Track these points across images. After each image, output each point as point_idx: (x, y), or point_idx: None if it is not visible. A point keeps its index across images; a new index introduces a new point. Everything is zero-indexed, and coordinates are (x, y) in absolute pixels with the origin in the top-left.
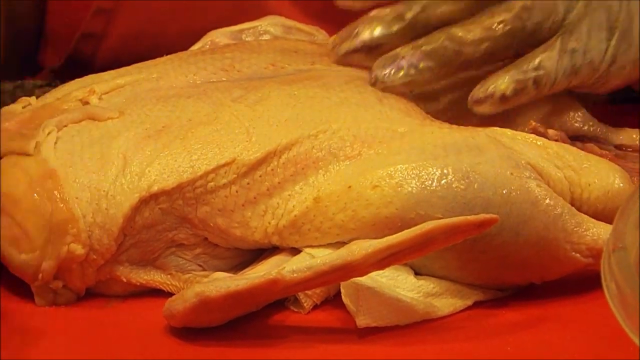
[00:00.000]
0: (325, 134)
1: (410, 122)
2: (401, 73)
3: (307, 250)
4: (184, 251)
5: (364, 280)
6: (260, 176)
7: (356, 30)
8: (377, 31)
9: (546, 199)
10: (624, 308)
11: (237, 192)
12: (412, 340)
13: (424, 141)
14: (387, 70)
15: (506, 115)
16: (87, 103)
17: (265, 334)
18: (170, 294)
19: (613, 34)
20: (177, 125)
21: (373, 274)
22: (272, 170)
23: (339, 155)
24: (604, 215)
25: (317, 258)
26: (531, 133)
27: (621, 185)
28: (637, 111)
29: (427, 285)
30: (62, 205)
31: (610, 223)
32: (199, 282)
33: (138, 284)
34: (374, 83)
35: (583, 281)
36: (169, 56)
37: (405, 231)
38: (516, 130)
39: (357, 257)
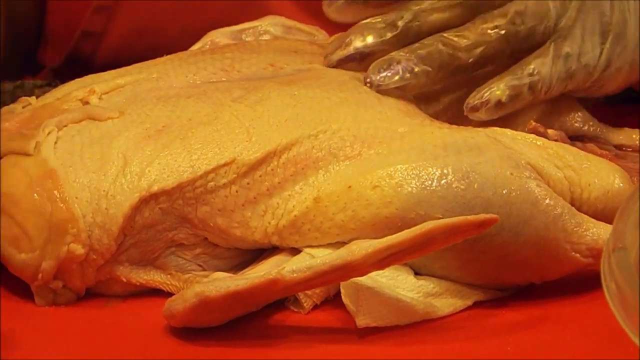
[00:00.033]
0: (325, 134)
1: (410, 122)
2: (396, 77)
3: (307, 250)
4: (183, 251)
5: (364, 280)
6: (260, 176)
7: (348, 39)
8: (369, 39)
9: (546, 199)
10: (624, 308)
11: (237, 192)
12: (412, 340)
13: (424, 141)
14: (383, 74)
15: (506, 115)
16: (87, 103)
17: (265, 334)
18: (170, 294)
19: (607, 38)
20: (177, 125)
21: (373, 274)
22: (272, 170)
23: (339, 155)
24: (604, 215)
25: (317, 258)
26: (531, 133)
27: (621, 185)
28: (637, 111)
29: (427, 285)
30: (62, 205)
31: (610, 223)
32: (198, 282)
33: (138, 284)
34: (369, 87)
35: (583, 281)
36: (169, 56)
37: (405, 231)
38: (516, 130)
39: (357, 257)
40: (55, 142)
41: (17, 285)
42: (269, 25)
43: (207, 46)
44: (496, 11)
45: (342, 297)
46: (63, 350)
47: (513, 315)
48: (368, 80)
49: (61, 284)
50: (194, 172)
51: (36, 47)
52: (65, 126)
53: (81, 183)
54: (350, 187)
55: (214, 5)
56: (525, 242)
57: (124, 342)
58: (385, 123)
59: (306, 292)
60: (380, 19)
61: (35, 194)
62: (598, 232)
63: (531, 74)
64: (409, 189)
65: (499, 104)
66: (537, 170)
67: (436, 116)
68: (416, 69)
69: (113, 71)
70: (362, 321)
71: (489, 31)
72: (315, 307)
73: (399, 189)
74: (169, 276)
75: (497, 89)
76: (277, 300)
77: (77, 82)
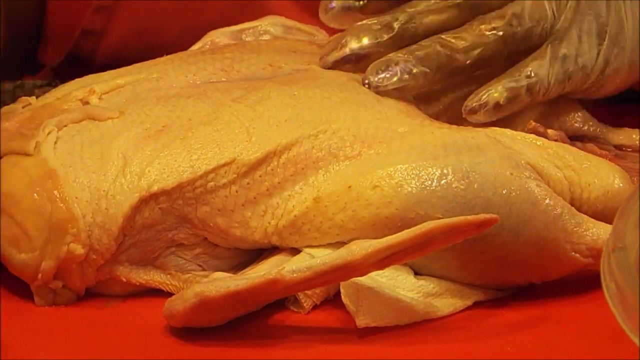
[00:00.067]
0: (325, 134)
1: (410, 122)
2: (395, 78)
3: (307, 250)
4: (183, 251)
5: (363, 280)
6: (260, 176)
7: (344, 40)
8: (365, 41)
9: (546, 199)
10: (624, 308)
11: (237, 192)
12: (412, 340)
13: (423, 141)
14: (381, 76)
15: (505, 116)
16: (87, 103)
17: (265, 334)
18: (170, 294)
19: (603, 39)
20: (177, 125)
21: (373, 274)
22: (272, 170)
23: (339, 155)
24: (603, 215)
25: (317, 258)
26: (531, 133)
27: (621, 185)
28: (637, 111)
29: (427, 285)
30: (62, 205)
31: (610, 223)
32: (198, 282)
33: (138, 283)
34: (367, 88)
35: (583, 281)
36: (169, 56)
37: (405, 231)
38: (516, 130)
39: (357, 257)
40: (55, 142)
41: (17, 285)
42: (269, 25)
43: (207, 46)
44: (493, 13)
45: (342, 297)
46: (63, 350)
47: (513, 315)
48: (366, 81)
49: (61, 284)
50: (193, 172)
51: (36, 47)
52: (65, 126)
53: (81, 183)
54: (350, 187)
55: (214, 5)
56: (525, 242)
57: (124, 342)
58: (385, 123)
59: (306, 292)
60: (376, 21)
61: (35, 194)
62: (598, 232)
63: (529, 76)
64: (409, 189)
65: (497, 106)
66: (537, 170)
67: (436, 116)
68: (414, 70)
69: (113, 71)
70: (362, 321)
71: (487, 33)
72: (315, 307)
73: (399, 189)
74: (169, 276)
75: (494, 92)
76: (277, 300)
77: (77, 82)
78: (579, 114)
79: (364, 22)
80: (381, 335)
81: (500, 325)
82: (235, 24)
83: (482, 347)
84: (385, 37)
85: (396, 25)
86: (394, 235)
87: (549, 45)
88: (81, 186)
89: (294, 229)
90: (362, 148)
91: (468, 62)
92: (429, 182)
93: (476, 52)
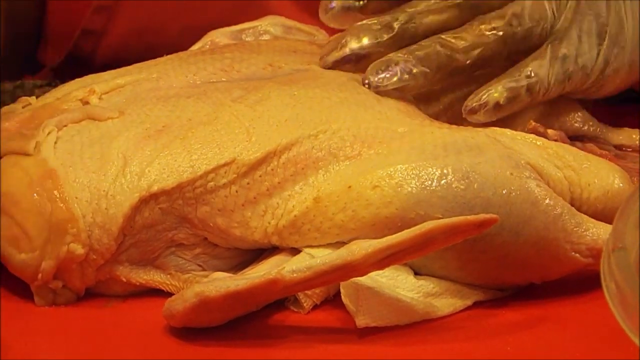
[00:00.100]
0: (325, 134)
1: (410, 122)
2: (395, 78)
3: (307, 250)
4: (183, 251)
5: (363, 280)
6: (260, 176)
7: (344, 40)
8: (365, 41)
9: (546, 199)
10: (624, 308)
11: (237, 192)
12: (412, 340)
13: (423, 141)
14: (381, 76)
15: (505, 116)
16: (87, 103)
17: (265, 334)
18: (170, 294)
19: (603, 39)
20: (177, 125)
21: (373, 274)
22: (272, 170)
23: (338, 156)
24: (603, 215)
25: (317, 258)
26: (531, 133)
27: (621, 185)
28: (637, 111)
29: (427, 285)
30: (61, 205)
31: (610, 223)
32: (198, 282)
33: (138, 283)
34: (367, 88)
35: (583, 281)
36: (169, 56)
37: (405, 231)
38: (516, 130)
39: (357, 257)
40: (55, 142)
41: (17, 285)
42: (269, 25)
43: (207, 46)
44: (493, 13)
45: (342, 297)
46: (63, 350)
47: (513, 315)
48: (366, 81)
49: (61, 284)
50: (193, 172)
51: (36, 47)
52: (65, 126)
53: (81, 183)
54: (350, 187)
55: (214, 5)
56: (525, 242)
57: (124, 342)
58: (385, 123)
59: (306, 292)
60: (375, 21)
61: (35, 194)
62: (598, 232)
63: (529, 76)
64: (409, 189)
65: (497, 106)
66: (537, 170)
67: (436, 116)
68: (414, 70)
69: (113, 71)
70: (361, 321)
71: (487, 33)
72: (315, 307)
73: (399, 189)
74: (168, 276)
75: (495, 92)
76: (277, 300)
77: (77, 82)
78: (579, 114)
79: (364, 22)
80: (381, 335)
81: (500, 325)
82: (235, 24)
83: (482, 347)
84: (385, 37)
85: (396, 25)
86: (394, 235)
87: (549, 45)
88: (81, 186)
89: (294, 229)
90: (362, 148)
91: (468, 62)
92: (429, 182)
93: (476, 52)
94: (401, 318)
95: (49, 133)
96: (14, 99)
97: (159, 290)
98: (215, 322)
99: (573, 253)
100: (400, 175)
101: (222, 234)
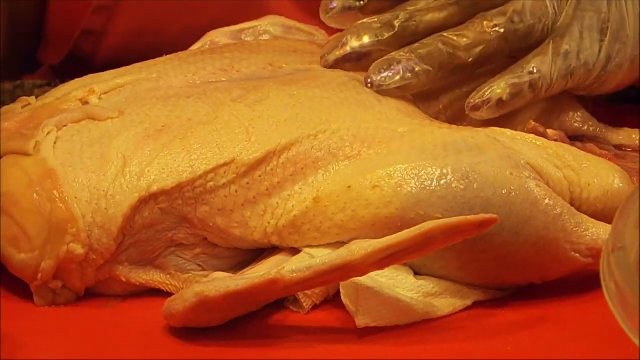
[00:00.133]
0: (325, 134)
1: (410, 122)
2: (397, 77)
3: (307, 250)
4: (183, 251)
5: (363, 280)
6: (259, 176)
7: (344, 39)
8: (366, 39)
9: (546, 199)
10: (624, 308)
11: (236, 192)
12: (412, 340)
13: (423, 141)
14: (384, 75)
15: (505, 115)
16: (87, 103)
17: (265, 334)
18: (170, 294)
19: (605, 35)
20: (177, 125)
21: (373, 274)
22: (272, 170)
23: (338, 155)
24: (603, 215)
25: (316, 258)
26: (531, 133)
27: (621, 185)
28: (637, 111)
29: (427, 285)
30: (61, 205)
31: (610, 223)
32: (198, 282)
33: (137, 283)
34: (369, 87)
35: (583, 281)
36: (168, 56)
37: (405, 231)
38: (516, 130)
39: (357, 257)
40: (55, 142)
41: (17, 285)
42: (269, 25)
43: (207, 46)
44: (495, 10)
45: (342, 297)
46: (63, 350)
47: (513, 315)
48: (369, 80)
49: (61, 284)
50: (193, 172)
51: (36, 47)
52: (65, 126)
53: (81, 183)
54: (350, 187)
55: (214, 5)
56: (525, 242)
57: (124, 342)
58: (385, 123)
59: (306, 292)
60: (376, 19)
61: (34, 194)
62: (598, 232)
63: (531, 73)
64: (409, 189)
65: (500, 102)
66: (537, 170)
67: (436, 116)
68: (417, 69)
69: (113, 71)
70: (361, 321)
71: (488, 30)
72: (315, 307)
73: (399, 189)
74: (168, 276)
75: (497, 88)
76: (277, 300)
77: (77, 82)
78: (579, 113)
79: (365, 20)
80: (381, 335)
81: (500, 325)
82: (235, 24)
83: (482, 347)
84: (386, 35)
85: (397, 23)
86: (393, 235)
87: (551, 42)
88: (81, 186)
89: (293, 229)
90: (361, 148)
91: (470, 59)
92: (429, 182)
93: (478, 49)
94: (401, 318)
95: (48, 133)
96: (13, 99)
97: (159, 290)
98: (215, 322)
99: (573, 253)
100: (400, 175)
101: (222, 234)
